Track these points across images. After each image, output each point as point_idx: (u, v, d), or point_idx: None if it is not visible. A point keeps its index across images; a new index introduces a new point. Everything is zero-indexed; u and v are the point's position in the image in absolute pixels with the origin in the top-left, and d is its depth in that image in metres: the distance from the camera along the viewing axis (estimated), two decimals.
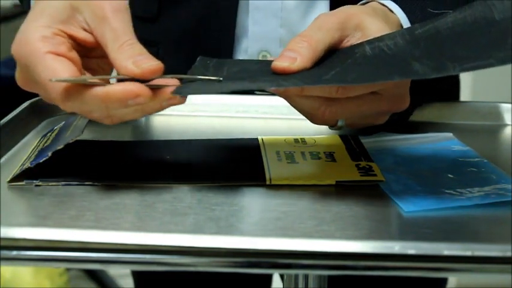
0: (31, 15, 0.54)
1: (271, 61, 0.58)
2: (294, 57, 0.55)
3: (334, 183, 0.55)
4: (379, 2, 0.66)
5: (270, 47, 0.79)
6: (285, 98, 0.58)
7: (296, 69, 0.55)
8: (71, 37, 0.54)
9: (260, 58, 0.79)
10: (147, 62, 0.52)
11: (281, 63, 0.55)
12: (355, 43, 0.59)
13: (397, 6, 0.65)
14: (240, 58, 0.80)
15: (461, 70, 0.49)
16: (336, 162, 0.59)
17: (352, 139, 0.64)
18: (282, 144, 0.62)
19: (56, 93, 0.52)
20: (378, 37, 0.58)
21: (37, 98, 0.71)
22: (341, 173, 0.56)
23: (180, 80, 0.53)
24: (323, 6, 0.78)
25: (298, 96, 0.57)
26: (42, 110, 0.72)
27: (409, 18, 0.64)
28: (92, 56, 0.56)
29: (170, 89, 0.51)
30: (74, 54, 0.53)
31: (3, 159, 0.60)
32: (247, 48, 0.79)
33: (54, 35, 0.53)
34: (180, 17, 0.81)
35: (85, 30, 0.54)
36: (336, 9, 0.62)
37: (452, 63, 0.50)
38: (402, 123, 0.69)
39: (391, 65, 0.54)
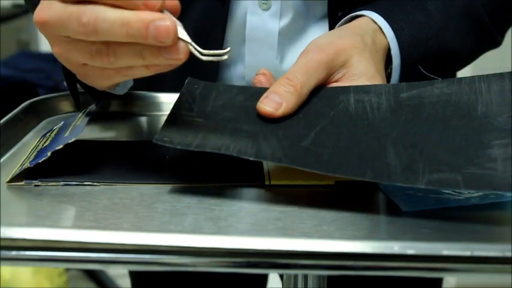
0: None
1: (257, 90, 0.59)
2: (279, 102, 0.57)
3: (333, 183, 0.55)
4: (371, 19, 0.67)
5: None
6: None
7: (280, 115, 0.57)
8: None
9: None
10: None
11: (265, 108, 0.57)
12: (339, 80, 0.61)
13: (387, 25, 0.66)
14: (237, 84, 0.79)
15: (428, 183, 0.49)
16: None
17: None
18: None
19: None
20: (365, 87, 0.59)
21: (37, 98, 0.71)
22: None
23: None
24: None
25: None
26: (42, 110, 0.72)
27: (396, 35, 0.66)
28: None
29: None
30: None
31: (2, 159, 0.60)
32: (244, 76, 0.79)
33: None
34: None
35: None
36: (327, 40, 0.62)
37: (423, 165, 0.50)
38: None
39: (367, 147, 0.53)
